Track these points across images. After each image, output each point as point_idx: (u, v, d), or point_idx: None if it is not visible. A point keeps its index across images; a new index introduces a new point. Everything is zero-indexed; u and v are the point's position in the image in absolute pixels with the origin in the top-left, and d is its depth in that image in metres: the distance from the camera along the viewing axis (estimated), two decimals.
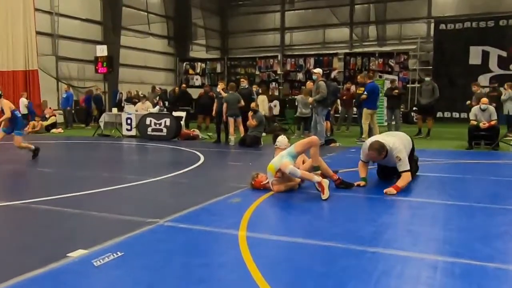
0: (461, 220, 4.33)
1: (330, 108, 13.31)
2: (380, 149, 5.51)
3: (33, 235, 3.91)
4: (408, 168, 5.49)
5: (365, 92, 11.87)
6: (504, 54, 17.97)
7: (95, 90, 18.97)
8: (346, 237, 3.71)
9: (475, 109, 10.40)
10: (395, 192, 5.27)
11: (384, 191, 5.31)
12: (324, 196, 4.97)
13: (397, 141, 5.66)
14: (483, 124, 10.05)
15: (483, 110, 10.22)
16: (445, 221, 4.29)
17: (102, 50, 14.73)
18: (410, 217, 4.54)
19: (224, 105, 11.33)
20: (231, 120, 11.34)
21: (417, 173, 6.33)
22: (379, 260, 3.17)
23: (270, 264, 3.13)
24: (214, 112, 11.96)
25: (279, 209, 4.81)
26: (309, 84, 12.66)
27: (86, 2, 22.13)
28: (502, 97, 12.13)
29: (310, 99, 10.92)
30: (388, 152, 5.52)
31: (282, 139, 6.20)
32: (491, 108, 10.30)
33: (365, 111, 11.95)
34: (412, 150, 6.10)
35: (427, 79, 14.02)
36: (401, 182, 5.43)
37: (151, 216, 4.25)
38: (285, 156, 5.45)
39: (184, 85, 18.57)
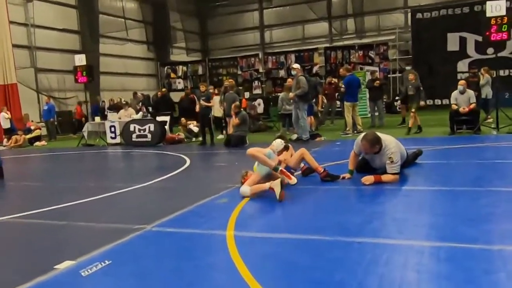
0: (445, 205, 4.38)
1: (311, 103, 13.38)
2: (374, 141, 5.32)
3: (19, 250, 3.86)
4: (398, 171, 5.31)
5: (343, 86, 11.95)
6: (480, 39, 18.21)
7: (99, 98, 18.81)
8: (333, 230, 3.74)
9: (455, 93, 10.52)
10: (372, 181, 5.20)
11: (362, 179, 5.28)
12: (278, 196, 4.76)
13: (394, 143, 5.46)
14: (463, 109, 10.18)
15: (462, 93, 10.35)
16: (430, 207, 4.35)
17: (80, 59, 14.55)
18: (395, 205, 4.57)
19: (224, 105, 11.32)
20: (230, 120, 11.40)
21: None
22: (366, 250, 3.20)
23: (258, 262, 3.14)
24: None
25: (266, 206, 4.81)
26: (290, 81, 12.71)
27: (61, 12, 21.88)
28: (481, 82, 12.29)
29: (291, 94, 10.96)
30: (381, 149, 5.35)
31: (276, 142, 5.95)
32: (470, 92, 10.44)
33: (346, 104, 12.04)
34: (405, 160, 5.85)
35: (408, 68, 14.18)
36: (386, 177, 5.28)
37: (138, 223, 4.23)
38: (263, 170, 5.34)
39: (164, 90, 18.46)
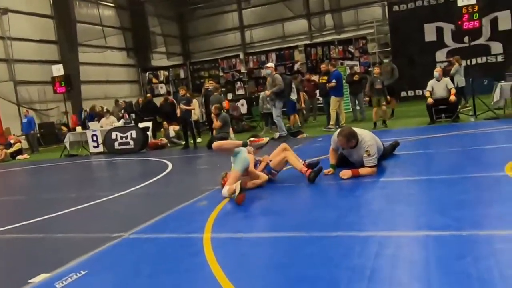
0: (421, 194, 4.45)
1: (294, 101, 13.44)
2: (349, 136, 5.38)
3: None
4: (375, 164, 5.36)
5: (334, 80, 11.98)
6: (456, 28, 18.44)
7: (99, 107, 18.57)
8: (310, 226, 3.76)
9: (431, 81, 10.64)
10: (350, 175, 5.25)
11: (340, 173, 5.33)
12: (235, 199, 4.76)
13: (370, 136, 5.52)
14: (452, 98, 10.20)
15: (438, 81, 10.47)
16: (406, 197, 4.40)
17: (58, 70, 14.40)
18: (372, 198, 4.61)
19: (213, 108, 11.35)
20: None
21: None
22: (339, 244, 3.23)
23: (233, 263, 3.16)
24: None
25: (245, 207, 4.83)
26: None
27: (38, 22, 21.64)
28: (452, 71, 12.41)
29: (267, 92, 11.03)
30: (358, 143, 5.39)
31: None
32: (446, 79, 10.57)
33: (334, 99, 12.07)
34: (382, 154, 5.88)
35: (385, 60, 14.30)
36: (364, 170, 5.31)
37: (116, 231, 4.21)
38: (237, 165, 5.34)
39: (149, 95, 18.40)
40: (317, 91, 15.09)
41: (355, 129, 5.57)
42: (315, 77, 15.85)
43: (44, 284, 3.13)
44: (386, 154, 6.17)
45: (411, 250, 3.00)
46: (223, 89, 19.50)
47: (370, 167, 5.33)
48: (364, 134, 5.52)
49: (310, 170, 5.49)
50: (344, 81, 15.54)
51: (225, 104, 12.84)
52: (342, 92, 12.33)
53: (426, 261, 2.77)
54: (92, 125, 14.13)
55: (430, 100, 10.42)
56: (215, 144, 5.64)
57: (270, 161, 5.78)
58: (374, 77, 11.67)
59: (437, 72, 10.53)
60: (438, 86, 10.45)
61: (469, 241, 3.00)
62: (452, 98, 10.28)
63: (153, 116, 15.58)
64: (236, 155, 5.39)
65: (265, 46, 26.60)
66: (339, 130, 5.62)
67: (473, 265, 2.61)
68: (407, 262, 2.79)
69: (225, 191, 5.09)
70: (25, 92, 20.88)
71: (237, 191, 4.74)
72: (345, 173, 5.31)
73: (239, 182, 4.90)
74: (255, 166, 5.71)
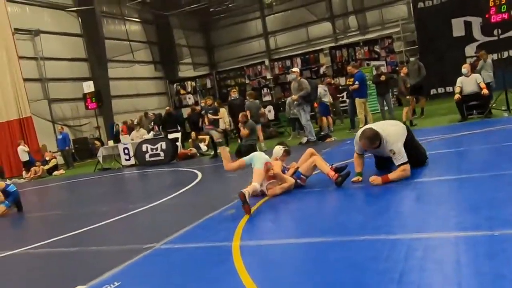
0: (451, 194, 4.36)
1: (326, 103, 13.43)
2: (373, 137, 5.13)
3: (32, 280, 3.97)
4: (405, 160, 5.03)
5: (357, 82, 11.89)
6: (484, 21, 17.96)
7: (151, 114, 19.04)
8: (337, 230, 3.75)
9: (460, 78, 10.39)
10: (380, 182, 4.99)
11: (370, 179, 5.09)
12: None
13: (392, 132, 5.21)
14: (484, 91, 9.92)
15: (467, 77, 10.22)
16: (435, 198, 4.32)
17: (89, 86, 14.87)
18: (400, 199, 4.54)
19: (248, 113, 11.46)
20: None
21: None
22: (367, 248, 3.20)
23: (261, 270, 3.18)
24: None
25: (272, 213, 4.84)
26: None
27: (68, 42, 22.40)
28: (478, 67, 12.04)
29: (295, 96, 11.01)
30: (381, 142, 5.15)
31: (275, 149, 6.06)
32: (475, 75, 10.29)
33: (358, 100, 11.97)
34: (409, 138, 5.42)
35: (412, 59, 14.06)
36: (394, 174, 5.04)
37: (148, 242, 4.30)
38: (256, 163, 5.45)
39: (168, 108, 18.64)
40: (339, 94, 15.01)
41: (377, 125, 5.34)
42: (338, 80, 15.77)
43: None
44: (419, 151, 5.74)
45: (441, 252, 2.94)
46: (241, 97, 19.64)
47: (401, 164, 5.02)
48: (386, 131, 5.19)
49: (337, 175, 5.46)
50: (370, 81, 15.42)
51: (261, 111, 12.89)
52: (365, 94, 12.18)
53: (456, 263, 2.72)
54: (124, 138, 14.46)
55: (457, 97, 10.18)
56: (226, 168, 5.95)
57: (298, 168, 5.79)
58: (404, 76, 11.50)
59: (465, 68, 10.29)
60: (468, 82, 10.20)
61: (501, 241, 2.92)
62: (485, 91, 9.98)
63: (175, 128, 15.77)
64: (252, 161, 5.53)
65: (289, 51, 26.64)
66: (361, 132, 5.36)
67: (505, 266, 2.54)
68: (437, 264, 2.74)
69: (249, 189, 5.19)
70: (59, 109, 21.60)
71: (247, 197, 4.81)
72: (375, 180, 5.05)
73: (249, 190, 5.00)
74: (283, 172, 5.73)
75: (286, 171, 5.80)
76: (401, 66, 12.17)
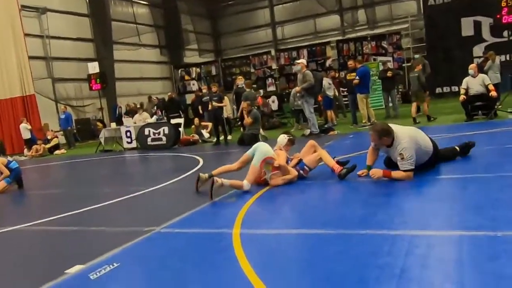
0: (454, 193, 4.34)
1: (331, 97, 13.37)
2: (382, 132, 4.94)
3: (32, 257, 3.98)
4: (411, 168, 4.86)
5: (357, 77, 11.86)
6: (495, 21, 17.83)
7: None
8: (339, 223, 3.74)
9: (466, 78, 10.31)
10: (381, 174, 4.91)
11: (370, 172, 5.04)
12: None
13: (408, 137, 4.91)
14: (493, 92, 9.85)
15: (474, 77, 10.14)
16: (438, 196, 4.31)
17: (94, 67, 14.82)
18: (403, 196, 4.51)
19: (246, 103, 11.40)
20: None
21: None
22: (368, 242, 3.20)
23: (262, 259, 3.17)
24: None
25: (273, 203, 4.84)
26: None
27: (75, 21, 22.27)
28: (485, 67, 11.93)
29: (298, 88, 10.96)
30: (393, 142, 4.94)
31: (279, 137, 6.03)
32: (482, 75, 10.21)
33: (359, 96, 11.96)
34: (434, 154, 5.23)
35: (417, 56, 13.98)
36: (397, 174, 4.90)
37: (148, 225, 4.30)
38: (254, 159, 5.47)
39: (170, 94, 18.58)
40: (342, 88, 14.94)
41: (395, 126, 5.08)
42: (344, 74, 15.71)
43: (79, 275, 3.23)
44: (447, 156, 5.64)
45: (443, 250, 2.94)
46: (254, 86, 19.55)
47: (406, 171, 4.87)
48: (401, 133, 4.96)
49: (342, 167, 5.46)
50: (376, 77, 15.34)
51: (258, 100, 12.86)
52: (367, 89, 12.13)
53: (458, 261, 2.71)
54: (126, 121, 14.44)
55: (462, 98, 10.13)
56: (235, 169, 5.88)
57: (301, 159, 5.77)
58: (420, 72, 11.43)
59: (471, 69, 10.18)
60: (474, 83, 10.12)
61: (505, 242, 2.91)
62: (493, 93, 9.89)
63: (177, 113, 15.73)
64: (253, 153, 5.52)
65: (296, 43, 26.47)
66: (374, 124, 5.38)
67: (508, 267, 2.53)
68: (439, 262, 2.74)
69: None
70: (62, 89, 21.56)
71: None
72: (376, 173, 5.00)
73: (227, 182, 5.24)
74: (287, 162, 5.72)
75: (289, 162, 5.79)
76: (416, 62, 12.04)
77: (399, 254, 2.92)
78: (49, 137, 16.76)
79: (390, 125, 5.10)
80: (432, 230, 3.33)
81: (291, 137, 5.98)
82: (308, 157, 5.73)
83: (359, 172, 5.34)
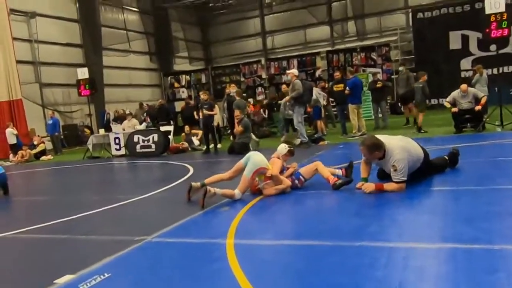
0: (446, 205, 4.35)
1: (320, 106, 13.41)
2: (372, 147, 4.91)
3: (20, 265, 3.88)
4: (404, 179, 4.85)
5: (347, 88, 11.92)
6: (481, 36, 18.12)
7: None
8: (333, 234, 3.72)
9: (455, 94, 10.42)
10: (373, 188, 4.85)
11: (363, 186, 4.93)
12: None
13: (399, 149, 4.93)
14: (477, 108, 10.02)
15: (463, 96, 10.29)
16: (432, 208, 4.32)
17: (83, 73, 14.66)
18: (396, 207, 4.51)
19: (237, 112, 11.36)
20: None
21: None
22: (364, 254, 3.17)
23: (257, 269, 3.13)
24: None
25: (267, 213, 4.80)
26: (284, 87, 12.85)
27: (64, 26, 22.07)
28: (473, 80, 12.08)
29: (286, 98, 11.03)
30: (385, 154, 4.92)
31: (280, 146, 5.93)
32: (472, 91, 10.33)
33: (350, 106, 12.02)
34: (425, 161, 5.28)
35: (401, 68, 14.14)
36: (390, 186, 4.89)
37: (139, 234, 4.23)
38: (246, 169, 5.43)
39: (160, 101, 18.47)
40: (331, 99, 15.03)
41: (384, 138, 5.09)
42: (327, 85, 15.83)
43: (68, 285, 3.16)
44: (439, 164, 5.69)
45: (439, 263, 2.92)
46: (244, 94, 19.57)
47: (398, 182, 4.86)
48: (393, 145, 4.95)
49: (337, 179, 5.47)
50: (366, 88, 15.43)
51: (250, 108, 12.82)
52: (359, 100, 12.20)
53: (455, 275, 2.69)
54: (115, 127, 14.30)
55: (454, 109, 10.25)
56: (228, 179, 5.82)
57: (297, 169, 5.75)
58: (424, 83, 11.51)
59: (463, 91, 10.24)
60: (463, 100, 10.26)
61: (501, 256, 2.91)
62: (477, 108, 10.06)
63: (167, 121, 15.58)
64: (246, 162, 5.48)
65: (286, 52, 26.58)
66: (363, 139, 5.33)
67: (505, 281, 2.53)
68: (436, 276, 2.72)
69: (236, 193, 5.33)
70: (50, 94, 21.28)
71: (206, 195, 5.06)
72: (368, 187, 4.94)
73: (219, 191, 5.23)
74: (282, 171, 5.68)
75: (285, 170, 5.76)
76: (421, 74, 12.10)
77: (396, 266, 2.90)
78: (35, 143, 16.51)
79: (380, 136, 5.10)
80: (427, 242, 3.32)
81: (291, 148, 5.90)
82: (305, 168, 5.72)
83: (357, 185, 5.21)
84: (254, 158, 5.47)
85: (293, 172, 5.71)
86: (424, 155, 5.27)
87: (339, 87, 12.53)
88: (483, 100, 10.14)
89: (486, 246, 3.06)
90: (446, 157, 5.87)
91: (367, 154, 5.03)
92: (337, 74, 13.12)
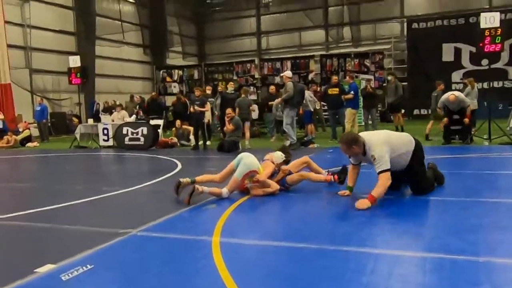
0: (434, 215, 4.37)
1: (310, 110, 13.43)
2: (350, 141, 4.76)
3: (0, 253, 3.80)
4: (386, 168, 4.62)
5: (352, 92, 11.95)
6: (475, 50, 18.32)
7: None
8: (320, 238, 3.70)
9: (445, 99, 10.33)
10: (369, 205, 4.49)
11: (356, 205, 4.51)
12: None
13: (375, 136, 4.88)
14: (465, 120, 10.08)
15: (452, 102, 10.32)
16: (419, 217, 4.33)
17: (75, 61, 14.49)
18: (385, 215, 4.49)
19: (237, 110, 11.45)
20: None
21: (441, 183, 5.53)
22: (351, 259, 3.16)
23: (242, 269, 3.10)
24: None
25: (254, 213, 4.77)
26: (272, 87, 12.88)
27: (58, 13, 21.84)
28: (464, 93, 12.16)
29: (278, 100, 11.04)
30: (365, 149, 4.76)
31: (276, 153, 5.84)
32: (460, 97, 10.32)
33: (350, 111, 12.03)
34: (416, 154, 5.03)
35: (389, 78, 14.24)
36: (376, 189, 4.61)
37: (124, 227, 4.17)
38: (237, 171, 5.39)
39: (154, 94, 18.35)
40: (323, 103, 15.06)
41: (366, 133, 5.01)
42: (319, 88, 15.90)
43: (49, 275, 3.09)
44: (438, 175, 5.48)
45: (425, 272, 2.91)
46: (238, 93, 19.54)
47: (381, 172, 4.62)
48: (371, 137, 4.86)
49: (335, 175, 5.56)
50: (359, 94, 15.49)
51: (252, 108, 12.74)
52: (358, 105, 12.30)
53: (440, 285, 2.69)
54: (104, 118, 14.16)
55: (445, 120, 10.32)
56: (219, 181, 5.73)
57: (289, 172, 5.72)
58: (440, 92, 11.54)
59: (452, 102, 10.22)
60: (452, 105, 10.26)
61: (486, 268, 2.92)
62: (466, 120, 10.13)
63: (158, 115, 15.50)
64: (238, 163, 5.44)
65: (280, 54, 26.64)
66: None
67: None
68: (421, 284, 2.71)
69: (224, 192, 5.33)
70: (40, 81, 21.03)
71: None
72: (362, 204, 4.52)
73: (207, 189, 5.20)
74: (274, 175, 5.63)
75: (276, 174, 5.71)
76: (438, 83, 12.13)
77: (383, 273, 2.89)
78: (20, 129, 16.28)
79: (362, 133, 5.01)
80: (414, 251, 3.32)
81: (287, 158, 5.81)
82: (291, 176, 5.68)
83: (340, 193, 5.18)
84: (246, 161, 5.40)
85: (283, 177, 5.68)
86: (415, 150, 5.00)
87: (334, 91, 12.50)
88: (469, 111, 10.17)
89: (472, 258, 3.07)
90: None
91: (346, 150, 4.85)
92: (335, 78, 13.15)
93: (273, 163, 5.65)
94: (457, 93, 10.56)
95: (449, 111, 10.30)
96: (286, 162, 5.81)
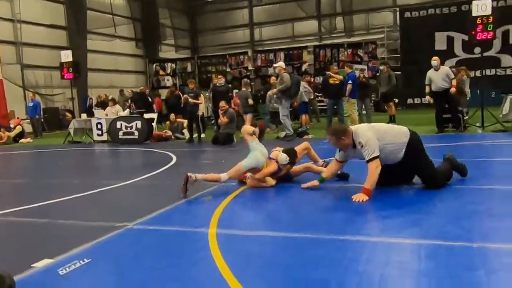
0: (430, 203, 4.39)
1: (306, 101, 13.43)
2: (338, 133, 4.71)
3: None
4: (375, 155, 4.50)
5: (350, 81, 11.91)
6: (467, 38, 18.34)
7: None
8: (316, 227, 3.71)
9: (429, 72, 10.22)
10: (366, 197, 4.42)
11: (353, 198, 4.46)
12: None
13: (365, 126, 4.87)
14: (452, 90, 9.86)
15: (436, 70, 10.11)
16: (415, 205, 4.35)
17: (67, 56, 14.38)
18: (382, 204, 4.48)
19: (222, 103, 11.36)
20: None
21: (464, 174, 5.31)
22: (348, 248, 3.19)
23: (239, 260, 3.11)
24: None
25: (250, 204, 4.78)
26: (274, 79, 12.82)
27: (49, 7, 21.60)
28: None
29: (274, 90, 11.01)
30: (354, 140, 4.65)
31: (281, 155, 5.68)
32: (445, 68, 10.22)
33: (351, 101, 12.04)
34: (412, 147, 4.81)
35: (381, 67, 14.26)
36: (368, 181, 4.52)
37: (120, 220, 4.17)
38: (246, 160, 5.39)
39: (142, 88, 18.19)
40: (317, 93, 15.01)
41: (356, 126, 4.95)
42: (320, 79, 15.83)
43: (47, 269, 3.09)
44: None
45: (421, 259, 2.94)
46: (230, 85, 19.46)
47: (370, 160, 4.52)
48: (360, 128, 4.80)
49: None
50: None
51: (250, 101, 12.66)
52: (357, 95, 12.29)
53: (436, 271, 2.72)
54: (98, 113, 14.09)
55: (430, 100, 10.26)
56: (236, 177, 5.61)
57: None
58: (461, 80, 11.37)
59: (434, 61, 10.10)
60: (437, 77, 10.08)
61: (481, 253, 2.95)
62: (452, 90, 9.91)
63: (145, 109, 15.31)
64: (251, 149, 5.47)
65: (273, 45, 26.55)
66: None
67: (485, 278, 2.56)
68: (418, 272, 2.74)
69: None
70: (32, 76, 20.84)
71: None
72: (359, 197, 4.46)
73: (202, 176, 5.21)
74: (278, 171, 5.60)
75: (281, 171, 5.69)
76: (460, 70, 11.84)
77: (378, 261, 2.92)
78: (12, 125, 16.16)
79: (353, 126, 4.96)
80: (409, 238, 3.35)
81: (291, 162, 5.68)
82: (296, 168, 5.72)
83: (303, 186, 5.14)
84: (259, 155, 5.41)
85: (285, 173, 5.66)
86: (409, 144, 4.79)
87: (335, 80, 12.35)
88: (454, 82, 10.03)
89: (467, 244, 3.10)
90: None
91: (336, 142, 4.75)
92: (335, 68, 13.12)
93: (277, 162, 5.61)
94: (438, 59, 10.42)
95: (436, 97, 10.21)
96: (291, 164, 5.65)
